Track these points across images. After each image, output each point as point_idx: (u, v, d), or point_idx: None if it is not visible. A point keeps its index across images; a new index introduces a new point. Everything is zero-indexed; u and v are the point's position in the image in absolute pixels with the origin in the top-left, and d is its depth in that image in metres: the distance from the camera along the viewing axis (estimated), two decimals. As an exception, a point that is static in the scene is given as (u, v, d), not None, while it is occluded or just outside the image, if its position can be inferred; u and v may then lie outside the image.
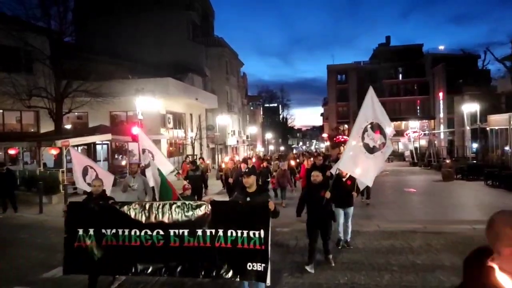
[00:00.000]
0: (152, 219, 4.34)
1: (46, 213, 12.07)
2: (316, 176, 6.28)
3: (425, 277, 5.74)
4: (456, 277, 5.70)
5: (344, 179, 7.19)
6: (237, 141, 42.29)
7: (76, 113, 21.85)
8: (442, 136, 45.10)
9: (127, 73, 24.13)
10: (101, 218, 4.48)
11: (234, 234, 4.09)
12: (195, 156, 23.73)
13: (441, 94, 46.55)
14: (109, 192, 7.00)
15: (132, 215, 4.40)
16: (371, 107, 6.35)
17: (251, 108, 57.07)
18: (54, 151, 16.24)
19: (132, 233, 4.33)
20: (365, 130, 6.23)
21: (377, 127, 6.29)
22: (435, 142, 41.95)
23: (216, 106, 33.31)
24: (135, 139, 16.59)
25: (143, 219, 4.36)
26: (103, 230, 4.41)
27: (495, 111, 25.85)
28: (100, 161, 22.35)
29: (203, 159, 19.15)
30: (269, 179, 13.42)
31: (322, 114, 79.67)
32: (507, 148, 21.06)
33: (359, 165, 6.29)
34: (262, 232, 4.04)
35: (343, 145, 55.70)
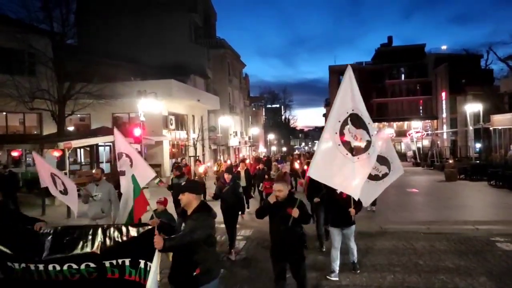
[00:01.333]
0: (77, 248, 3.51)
1: (48, 214, 12.10)
2: (279, 190, 4.56)
3: (428, 278, 5.70)
4: (459, 278, 5.67)
5: (338, 191, 5.66)
6: (239, 142, 42.30)
7: (78, 115, 21.92)
8: (445, 136, 44.92)
9: (129, 75, 24.18)
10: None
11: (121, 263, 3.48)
12: (197, 157, 23.62)
13: (443, 94, 46.37)
14: (75, 208, 6.25)
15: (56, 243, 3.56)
16: (350, 92, 4.73)
17: (253, 109, 57.05)
18: (56, 153, 16.28)
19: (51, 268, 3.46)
20: (345, 123, 4.62)
21: (356, 120, 4.69)
22: (438, 142, 41.82)
23: (218, 107, 33.35)
24: (137, 141, 16.66)
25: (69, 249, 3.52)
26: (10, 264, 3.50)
27: (498, 111, 25.71)
28: (102, 162, 22.43)
29: (200, 161, 17.72)
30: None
31: (324, 115, 79.55)
32: None
33: (336, 171, 4.64)
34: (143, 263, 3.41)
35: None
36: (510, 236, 7.99)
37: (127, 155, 5.67)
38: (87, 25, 21.76)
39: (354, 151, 4.61)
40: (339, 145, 4.57)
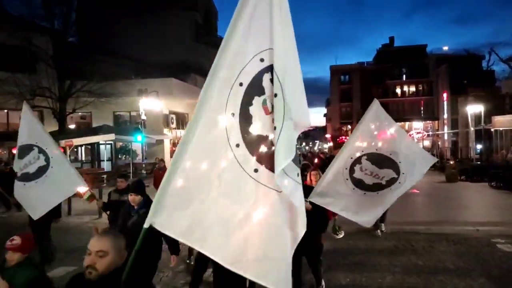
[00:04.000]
0: None
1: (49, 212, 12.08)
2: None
3: (427, 279, 5.70)
4: (459, 279, 5.67)
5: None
6: (240, 142, 42.25)
7: (79, 113, 21.98)
8: (446, 137, 44.87)
9: (130, 73, 24.21)
10: None
11: None
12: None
13: (445, 95, 46.30)
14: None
15: None
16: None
17: (254, 108, 57.03)
18: (57, 151, 16.32)
19: None
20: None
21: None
22: (439, 143, 41.81)
23: (219, 107, 33.27)
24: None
25: None
26: None
27: (500, 112, 25.68)
28: (103, 160, 22.48)
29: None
30: None
31: (325, 115, 79.57)
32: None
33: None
34: None
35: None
36: (510, 238, 7.98)
37: (40, 149, 4.42)
38: (88, 23, 21.79)
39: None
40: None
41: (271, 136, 2.07)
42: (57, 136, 17.33)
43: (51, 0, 17.87)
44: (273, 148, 2.01)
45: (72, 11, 19.63)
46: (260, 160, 2.07)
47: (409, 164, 4.65)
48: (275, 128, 1.99)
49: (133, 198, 4.28)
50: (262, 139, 2.08)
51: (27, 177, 4.60)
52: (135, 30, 30.12)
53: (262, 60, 2.12)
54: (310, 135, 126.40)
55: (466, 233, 8.47)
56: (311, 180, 6.87)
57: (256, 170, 2.07)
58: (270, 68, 2.09)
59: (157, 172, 11.66)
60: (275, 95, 2.00)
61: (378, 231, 8.33)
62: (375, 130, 4.64)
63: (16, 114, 20.70)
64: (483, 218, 10.28)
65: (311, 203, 4.33)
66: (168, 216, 2.05)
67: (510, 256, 6.82)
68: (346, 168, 4.55)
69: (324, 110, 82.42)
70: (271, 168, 2.01)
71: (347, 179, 4.54)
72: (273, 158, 1.99)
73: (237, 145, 2.08)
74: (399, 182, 4.63)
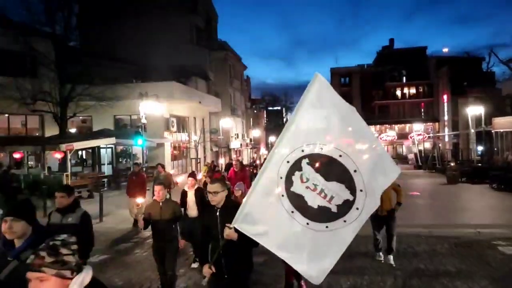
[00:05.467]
0: None
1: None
2: (214, 191, 3.35)
3: (429, 282, 5.68)
4: (460, 282, 5.65)
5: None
6: (241, 144, 42.33)
7: (80, 117, 22.02)
8: (446, 138, 44.85)
9: (131, 77, 24.27)
10: None
11: None
12: (198, 160, 23.46)
13: (445, 97, 46.32)
14: None
15: None
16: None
17: (255, 111, 57.11)
18: (58, 155, 16.37)
19: None
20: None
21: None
22: (440, 145, 41.74)
23: (220, 110, 33.40)
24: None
25: None
26: None
27: (500, 114, 25.68)
28: (104, 164, 22.49)
29: (162, 166, 11.52)
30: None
31: (325, 117, 79.47)
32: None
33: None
34: None
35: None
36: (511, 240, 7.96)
37: None
38: (89, 27, 21.87)
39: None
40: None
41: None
42: (57, 140, 17.37)
43: (52, 5, 17.94)
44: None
45: (73, 16, 19.72)
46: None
47: (371, 176, 2.89)
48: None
49: (10, 227, 2.48)
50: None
51: None
52: (136, 33, 30.21)
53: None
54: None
55: (467, 236, 8.44)
56: (235, 196, 6.34)
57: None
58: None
59: (131, 178, 10.00)
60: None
61: (381, 255, 6.72)
62: (319, 119, 3.04)
63: (17, 118, 20.78)
64: (484, 220, 10.26)
65: (236, 230, 3.06)
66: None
67: (512, 258, 6.80)
68: (281, 177, 2.97)
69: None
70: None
71: (282, 195, 2.97)
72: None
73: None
74: (357, 208, 2.87)
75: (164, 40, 31.09)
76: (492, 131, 23.89)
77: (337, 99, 3.04)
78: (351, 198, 2.91)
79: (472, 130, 27.86)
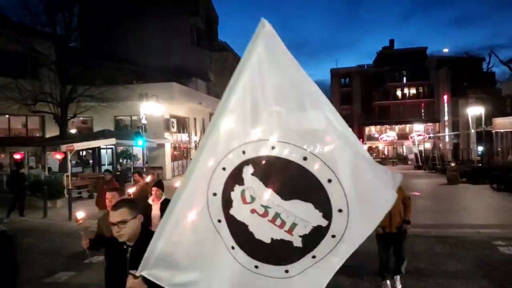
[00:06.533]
0: None
1: (50, 217, 12.13)
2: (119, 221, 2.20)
3: (428, 282, 5.70)
4: (460, 282, 5.66)
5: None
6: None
7: (81, 118, 22.04)
8: (447, 139, 44.84)
9: (131, 78, 24.31)
10: None
11: None
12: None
13: (445, 97, 46.32)
14: None
15: None
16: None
17: (255, 112, 57.14)
18: (59, 156, 16.40)
19: None
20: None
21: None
22: (440, 145, 41.76)
23: (220, 110, 33.36)
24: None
25: None
26: None
27: (500, 114, 25.69)
28: (104, 165, 22.53)
29: (139, 174, 9.04)
30: None
31: (326, 118, 79.54)
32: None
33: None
34: None
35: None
36: (511, 240, 7.97)
37: None
38: (89, 28, 21.90)
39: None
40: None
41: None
42: (58, 140, 17.40)
43: (52, 6, 17.97)
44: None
45: (74, 16, 19.74)
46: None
47: (358, 186, 1.85)
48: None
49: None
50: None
51: None
52: (136, 34, 30.25)
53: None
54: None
55: (467, 236, 8.46)
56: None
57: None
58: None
59: (102, 186, 9.06)
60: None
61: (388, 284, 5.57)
62: (272, 99, 1.85)
63: (17, 119, 20.82)
64: (484, 220, 10.27)
65: (146, 279, 2.00)
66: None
67: (511, 258, 6.81)
68: (214, 193, 1.96)
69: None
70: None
71: (219, 221, 1.99)
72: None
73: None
74: (333, 236, 1.90)
75: (164, 41, 31.16)
76: (493, 132, 23.89)
77: (294, 64, 1.86)
78: (323, 223, 1.88)
79: (473, 131, 27.88)
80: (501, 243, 7.81)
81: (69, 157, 16.15)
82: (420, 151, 38.18)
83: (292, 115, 1.86)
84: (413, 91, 56.02)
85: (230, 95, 1.92)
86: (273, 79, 1.84)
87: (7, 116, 19.92)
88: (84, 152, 22.70)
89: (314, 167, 1.84)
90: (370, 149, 54.48)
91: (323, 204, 1.88)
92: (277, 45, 1.84)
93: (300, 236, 1.93)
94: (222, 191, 1.96)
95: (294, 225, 1.91)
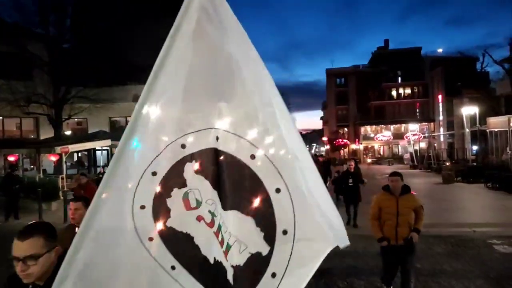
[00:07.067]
0: None
1: (45, 219, 12.00)
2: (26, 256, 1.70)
3: (425, 282, 5.70)
4: (456, 281, 5.67)
5: None
6: (237, 146, 42.24)
7: (75, 119, 21.89)
8: (442, 138, 45.09)
9: (126, 79, 24.18)
10: None
11: None
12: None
13: (440, 97, 46.60)
14: None
15: None
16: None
17: (251, 112, 57.08)
18: (53, 158, 16.25)
19: None
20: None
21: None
22: (435, 144, 42.00)
23: (216, 111, 33.28)
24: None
25: None
26: None
27: (495, 114, 25.88)
28: (100, 166, 22.38)
29: (83, 174, 9.89)
30: None
31: (321, 118, 79.79)
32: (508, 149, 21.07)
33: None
34: None
35: (342, 148, 55.75)
36: (507, 239, 8.00)
37: None
38: (83, 29, 21.76)
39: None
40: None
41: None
42: (52, 142, 17.26)
43: (45, 7, 17.84)
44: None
45: (67, 17, 19.62)
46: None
47: (310, 202, 1.46)
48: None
49: None
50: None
51: None
52: (131, 35, 30.09)
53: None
54: (307, 137, 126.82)
55: (462, 235, 8.48)
56: None
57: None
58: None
59: (78, 191, 8.26)
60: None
61: None
62: (210, 71, 1.59)
63: (11, 121, 20.63)
64: (479, 219, 10.31)
65: None
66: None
67: (507, 257, 6.84)
68: (142, 207, 1.57)
69: (320, 113, 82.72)
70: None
71: (150, 239, 1.58)
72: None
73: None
74: (273, 275, 1.51)
75: (158, 41, 30.92)
76: (487, 131, 24.04)
77: (242, 34, 1.55)
78: (264, 250, 1.49)
79: (467, 130, 28.05)
80: (496, 241, 7.85)
81: (64, 159, 16.01)
82: (416, 151, 38.35)
83: (240, 99, 1.47)
84: (408, 91, 56.30)
85: (158, 74, 1.55)
86: (213, 50, 1.47)
87: (0, 118, 19.74)
88: (79, 154, 22.53)
89: (262, 170, 1.47)
90: (366, 149, 54.73)
91: (266, 221, 1.47)
92: (221, 5, 1.48)
93: (232, 267, 1.49)
94: (153, 201, 1.54)
95: (229, 247, 1.49)
